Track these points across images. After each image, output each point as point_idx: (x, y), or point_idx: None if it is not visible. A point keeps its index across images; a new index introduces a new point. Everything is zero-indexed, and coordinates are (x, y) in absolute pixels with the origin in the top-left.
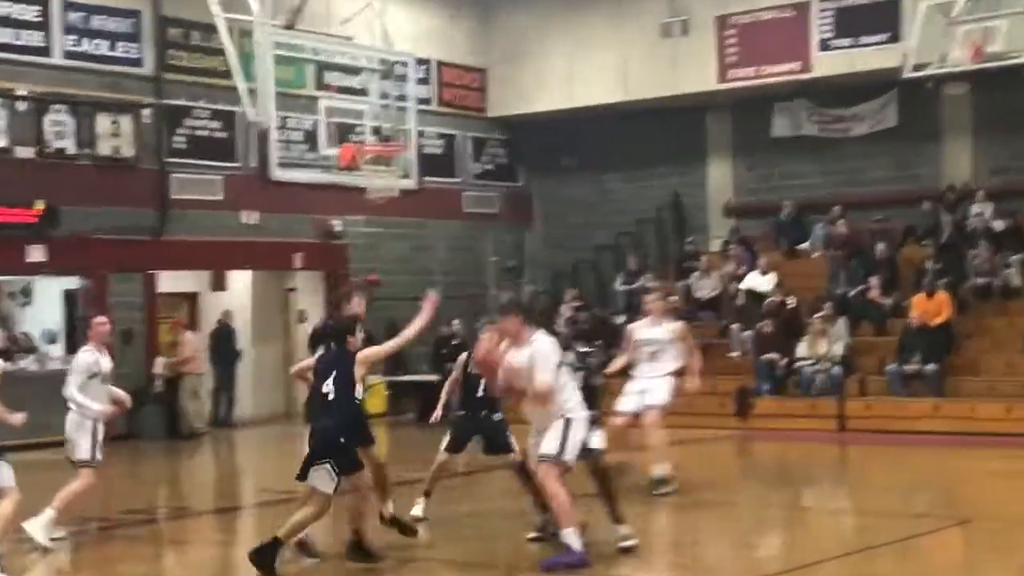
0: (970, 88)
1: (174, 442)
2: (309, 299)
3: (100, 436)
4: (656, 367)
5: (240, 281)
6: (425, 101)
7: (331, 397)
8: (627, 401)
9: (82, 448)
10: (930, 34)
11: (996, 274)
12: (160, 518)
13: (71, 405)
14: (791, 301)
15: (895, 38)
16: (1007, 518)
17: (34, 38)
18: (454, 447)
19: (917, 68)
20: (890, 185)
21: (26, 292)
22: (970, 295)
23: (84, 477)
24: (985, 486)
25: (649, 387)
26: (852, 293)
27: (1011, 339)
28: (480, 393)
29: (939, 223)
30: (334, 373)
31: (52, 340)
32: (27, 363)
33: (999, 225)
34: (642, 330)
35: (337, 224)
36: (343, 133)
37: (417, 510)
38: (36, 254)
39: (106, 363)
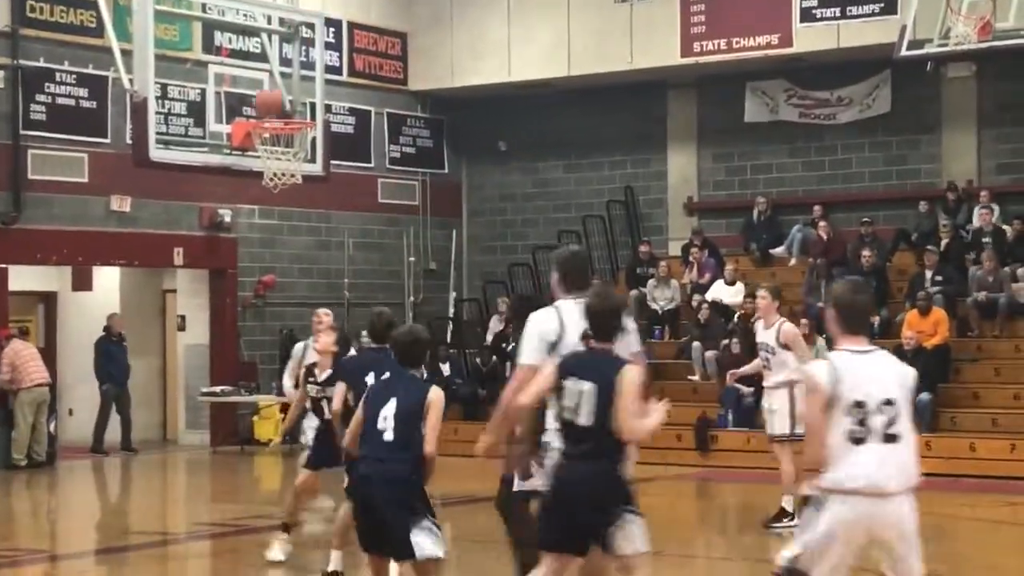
0: (976, 70)
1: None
2: (191, 302)
3: None
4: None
5: (108, 279)
6: (334, 70)
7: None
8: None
9: None
10: (930, 5)
11: (1002, 288)
12: None
13: None
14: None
15: (890, 9)
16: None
17: None
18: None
19: (914, 45)
20: (881, 182)
21: None
22: (971, 312)
23: None
24: (982, 538)
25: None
26: None
27: (1018, 365)
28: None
29: (937, 227)
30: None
31: None
32: None
33: (1007, 231)
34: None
35: (226, 215)
36: (236, 107)
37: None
38: None
39: None
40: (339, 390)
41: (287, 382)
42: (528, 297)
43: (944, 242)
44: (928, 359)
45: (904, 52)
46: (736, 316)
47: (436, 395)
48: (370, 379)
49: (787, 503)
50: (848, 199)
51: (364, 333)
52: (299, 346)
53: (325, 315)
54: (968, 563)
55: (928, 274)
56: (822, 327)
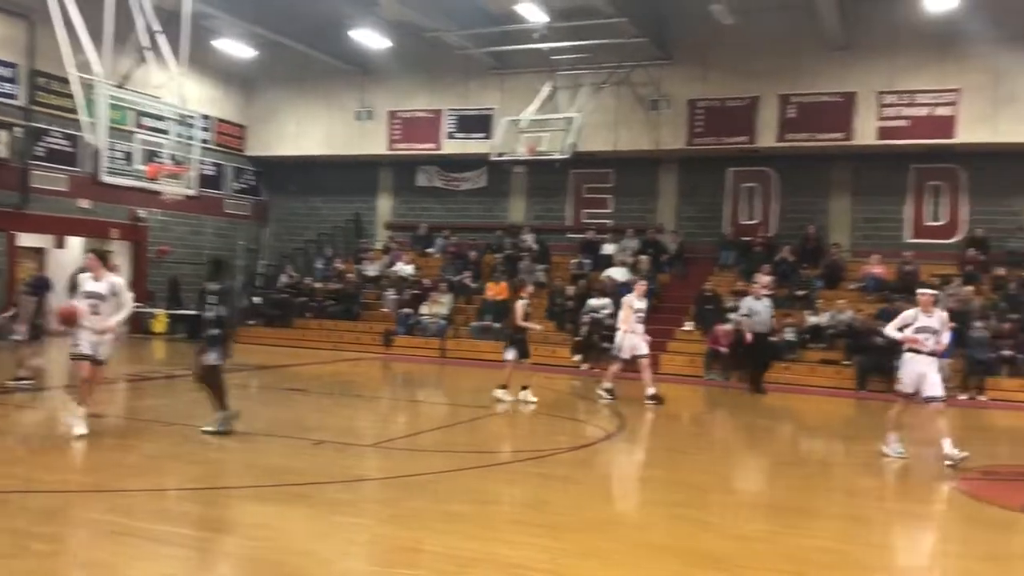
0: (527, 169)
1: None
2: (119, 259)
3: None
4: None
5: (75, 244)
6: (206, 142)
7: None
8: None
9: None
10: (507, 137)
11: (531, 273)
12: None
13: None
14: (426, 281)
15: (488, 136)
16: (532, 408)
17: None
18: None
19: (499, 155)
20: (480, 220)
21: None
22: (518, 285)
23: None
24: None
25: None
26: (456, 279)
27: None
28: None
29: (503, 244)
30: None
31: None
32: None
33: (536, 246)
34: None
35: (142, 213)
36: (150, 156)
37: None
38: None
39: None
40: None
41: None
42: (219, 260)
43: (507, 251)
44: (500, 306)
45: (494, 158)
46: (408, 281)
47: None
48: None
49: None
50: (465, 227)
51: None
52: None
53: (89, 258)
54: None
55: (499, 265)
56: (452, 287)
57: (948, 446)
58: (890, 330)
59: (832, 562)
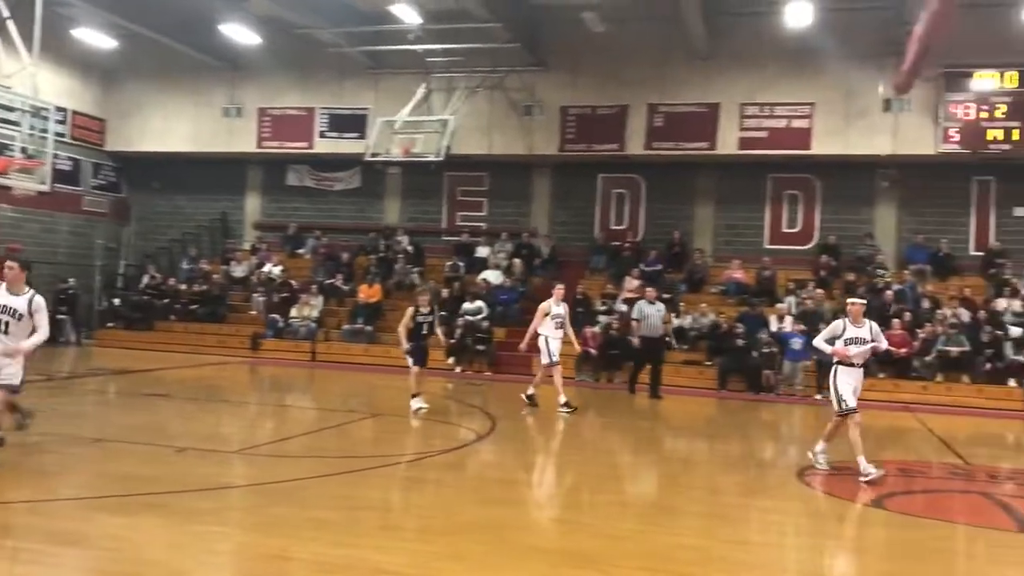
0: (401, 171)
1: None
2: None
3: None
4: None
5: None
6: (61, 135)
7: None
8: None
9: None
10: (381, 137)
11: (405, 275)
12: None
13: None
14: (296, 283)
15: (362, 136)
16: (401, 412)
17: None
18: None
19: (373, 155)
20: (354, 221)
21: None
22: (392, 287)
23: None
24: (393, 394)
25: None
26: (328, 281)
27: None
28: None
29: (379, 245)
30: None
31: None
32: None
33: (411, 248)
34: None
35: None
36: (0, 149)
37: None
38: None
39: None
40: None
41: None
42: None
43: (381, 252)
44: (372, 307)
45: (368, 159)
46: (277, 283)
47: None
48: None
49: None
50: (337, 228)
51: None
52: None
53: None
54: (385, 406)
55: (372, 268)
56: (323, 289)
57: (863, 463)
58: (819, 343)
59: (694, 559)
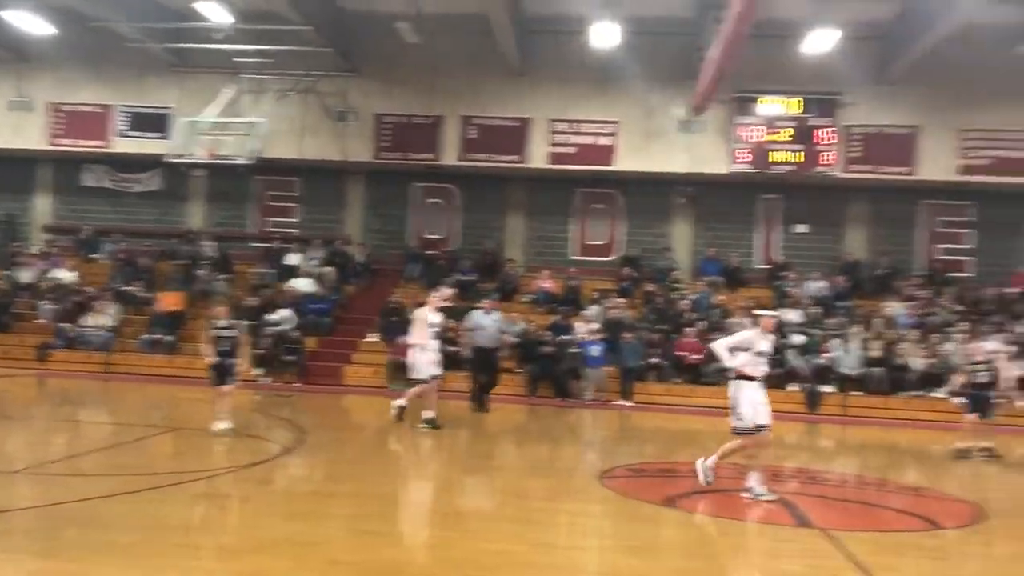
0: (207, 173)
1: None
2: None
3: None
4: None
5: None
6: None
7: None
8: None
9: None
10: (185, 138)
11: (210, 282)
12: None
13: None
14: (90, 290)
15: (165, 136)
16: (205, 426)
17: None
18: None
19: (176, 157)
20: (155, 224)
21: None
22: (196, 295)
23: None
24: (197, 407)
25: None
26: (125, 288)
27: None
28: None
29: (180, 251)
30: None
31: None
32: None
33: (215, 253)
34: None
35: None
36: None
37: None
38: None
39: None
40: None
41: None
42: None
43: (182, 260)
44: (175, 318)
45: (170, 159)
46: (69, 289)
47: None
48: None
49: None
50: (137, 232)
51: None
52: None
53: None
54: (186, 420)
55: (176, 273)
56: (120, 296)
57: (756, 481)
58: (722, 352)
59: (502, 563)
